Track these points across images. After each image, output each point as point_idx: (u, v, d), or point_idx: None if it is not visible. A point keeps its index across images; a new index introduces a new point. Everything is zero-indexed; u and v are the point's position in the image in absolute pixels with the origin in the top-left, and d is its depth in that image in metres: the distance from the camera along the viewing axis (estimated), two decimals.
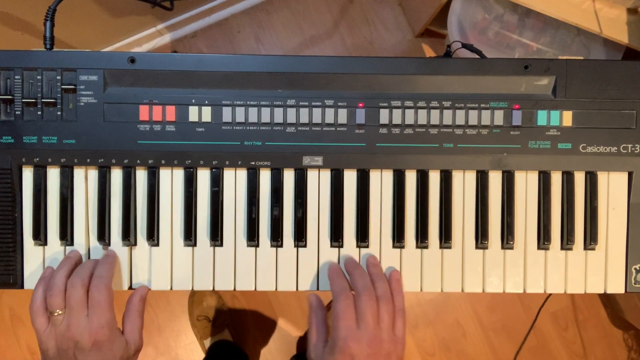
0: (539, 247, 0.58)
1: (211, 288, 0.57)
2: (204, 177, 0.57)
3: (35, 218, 0.56)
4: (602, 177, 0.58)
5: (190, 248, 0.57)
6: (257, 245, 0.58)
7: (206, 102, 0.56)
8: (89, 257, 0.57)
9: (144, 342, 0.56)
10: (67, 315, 0.51)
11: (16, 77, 0.55)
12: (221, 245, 0.57)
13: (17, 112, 0.55)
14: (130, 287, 0.57)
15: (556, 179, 0.58)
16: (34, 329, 0.52)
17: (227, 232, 0.57)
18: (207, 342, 1.33)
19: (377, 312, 0.53)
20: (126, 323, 0.55)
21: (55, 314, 0.51)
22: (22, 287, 0.56)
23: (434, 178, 0.58)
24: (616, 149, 0.57)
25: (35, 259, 0.56)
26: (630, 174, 0.58)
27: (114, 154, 0.56)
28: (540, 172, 0.58)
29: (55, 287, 0.52)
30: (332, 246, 0.58)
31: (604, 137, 0.57)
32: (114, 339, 0.51)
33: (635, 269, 0.58)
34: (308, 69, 0.56)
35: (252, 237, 0.57)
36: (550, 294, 0.73)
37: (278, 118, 0.56)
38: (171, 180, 0.57)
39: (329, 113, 0.57)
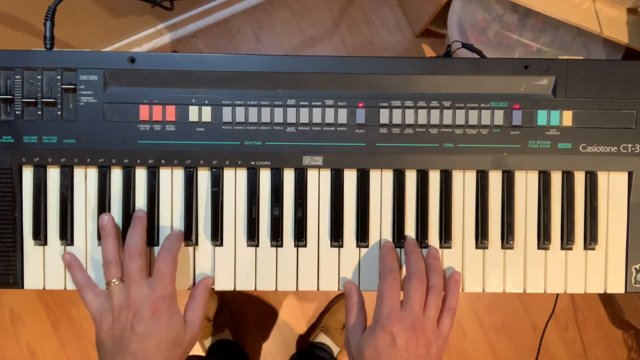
0: (539, 247, 0.58)
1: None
2: (204, 176, 0.57)
3: (35, 218, 0.56)
4: (602, 177, 0.58)
5: (191, 248, 0.57)
6: (257, 245, 0.58)
7: (206, 102, 0.56)
8: (86, 257, 0.57)
9: None
10: (126, 285, 0.51)
11: (16, 77, 0.55)
12: (221, 245, 0.57)
13: (17, 112, 0.55)
14: None
15: (556, 178, 0.58)
16: (86, 305, 0.53)
17: (227, 231, 0.57)
18: (208, 342, 1.33)
19: (425, 301, 0.53)
20: (188, 308, 0.55)
21: (112, 283, 0.52)
22: (22, 287, 0.56)
23: (434, 178, 0.58)
24: (616, 148, 0.57)
25: (35, 259, 0.56)
26: (630, 174, 0.58)
27: (114, 153, 0.56)
28: (540, 172, 0.58)
29: (110, 258, 0.52)
30: (332, 246, 0.58)
31: (604, 137, 0.57)
32: (173, 312, 0.52)
33: (635, 268, 0.58)
34: (308, 69, 0.56)
35: (252, 236, 0.57)
36: (554, 309, 0.73)
37: (278, 118, 0.57)
38: (171, 180, 0.57)
39: (329, 113, 0.57)
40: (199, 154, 0.56)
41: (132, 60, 0.56)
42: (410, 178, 0.58)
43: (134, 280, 0.51)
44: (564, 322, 1.44)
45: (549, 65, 0.57)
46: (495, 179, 0.58)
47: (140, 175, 0.57)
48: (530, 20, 1.04)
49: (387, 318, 0.51)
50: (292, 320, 1.41)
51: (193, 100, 0.56)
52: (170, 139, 0.56)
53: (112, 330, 0.51)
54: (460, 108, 0.57)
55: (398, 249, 0.58)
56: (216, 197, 0.57)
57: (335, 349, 1.31)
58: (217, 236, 0.57)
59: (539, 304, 1.43)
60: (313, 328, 1.39)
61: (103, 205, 0.56)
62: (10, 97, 0.55)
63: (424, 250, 0.58)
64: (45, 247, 0.57)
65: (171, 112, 0.56)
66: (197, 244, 0.57)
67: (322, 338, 1.33)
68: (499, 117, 0.57)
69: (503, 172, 0.58)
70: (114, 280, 0.52)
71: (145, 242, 0.55)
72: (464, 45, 0.66)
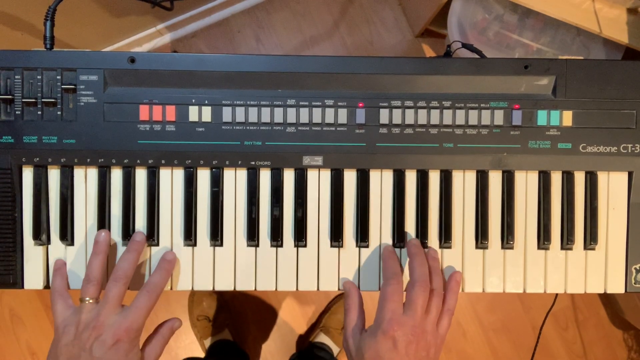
0: (539, 247, 0.58)
1: (211, 288, 0.57)
2: (204, 176, 0.57)
3: (35, 218, 0.56)
4: (602, 177, 0.58)
5: (190, 248, 0.57)
6: (257, 245, 0.58)
7: (206, 102, 0.56)
8: (86, 257, 0.57)
9: None
10: (99, 306, 0.51)
11: (16, 77, 0.55)
12: (221, 245, 0.57)
13: (17, 112, 0.55)
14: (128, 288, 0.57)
15: (556, 178, 0.58)
16: (54, 313, 0.53)
17: (227, 231, 0.57)
18: (207, 342, 1.33)
19: (427, 304, 0.53)
20: (147, 344, 0.54)
21: (86, 301, 0.51)
22: (22, 287, 0.56)
23: (434, 178, 0.58)
24: (616, 148, 0.57)
25: (35, 259, 0.56)
26: (630, 174, 0.58)
27: (114, 153, 0.56)
28: (540, 172, 0.58)
29: (92, 276, 0.52)
30: (332, 246, 0.58)
31: (604, 137, 0.57)
32: (134, 347, 0.51)
33: (635, 268, 0.58)
34: (308, 69, 0.56)
35: (252, 236, 0.57)
36: (553, 305, 0.73)
37: (278, 118, 0.57)
38: (171, 180, 0.57)
39: (329, 113, 0.57)
40: (199, 154, 0.56)
41: (132, 60, 0.56)
42: (410, 178, 0.58)
43: (109, 303, 0.51)
44: (564, 322, 1.44)
45: (549, 65, 0.57)
46: (495, 179, 0.58)
47: (140, 175, 0.57)
48: (530, 20, 1.04)
49: (389, 323, 0.51)
50: (292, 320, 1.41)
51: (193, 100, 0.56)
52: (170, 139, 0.56)
53: (70, 346, 0.50)
54: (460, 108, 0.57)
55: (398, 249, 0.58)
56: (216, 197, 0.57)
57: (335, 349, 1.31)
58: (217, 236, 0.57)
59: (538, 303, 1.43)
60: (313, 328, 1.40)
61: (103, 205, 0.56)
62: (10, 97, 0.55)
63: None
64: (45, 247, 0.57)
65: (171, 112, 0.56)
66: (196, 244, 0.57)
67: (322, 338, 1.33)
68: (499, 117, 0.57)
69: (503, 172, 0.58)
70: (89, 299, 0.52)
71: (135, 269, 0.54)
72: (464, 45, 0.66)
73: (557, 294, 0.66)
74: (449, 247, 0.58)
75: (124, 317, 0.50)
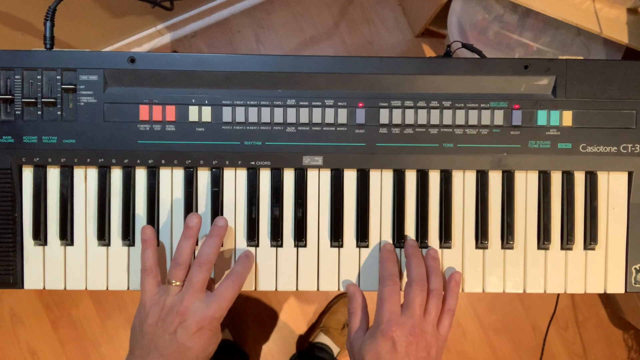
0: (539, 247, 0.58)
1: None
2: (204, 176, 0.57)
3: (35, 218, 0.56)
4: (602, 177, 0.58)
5: None
6: (257, 245, 0.58)
7: (206, 102, 0.56)
8: (86, 257, 0.57)
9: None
10: (184, 291, 0.52)
11: (16, 77, 0.55)
12: (221, 245, 0.57)
13: (17, 112, 0.55)
14: (129, 287, 0.57)
15: (556, 178, 0.58)
16: (142, 289, 0.53)
17: (227, 232, 0.57)
18: None
19: (425, 305, 0.53)
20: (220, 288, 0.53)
21: (173, 284, 0.52)
22: (22, 287, 0.56)
23: (434, 178, 0.58)
24: (616, 148, 0.57)
25: (35, 259, 0.56)
26: (630, 174, 0.58)
27: (114, 153, 0.56)
28: (540, 172, 0.58)
29: (182, 259, 0.53)
30: (332, 246, 0.58)
31: (604, 137, 0.57)
32: (215, 333, 0.52)
33: (635, 268, 0.58)
34: (308, 69, 0.56)
35: (252, 237, 0.57)
36: (555, 311, 0.73)
37: (278, 118, 0.57)
38: (171, 180, 0.57)
39: (329, 113, 0.57)
40: (199, 154, 0.56)
41: (132, 60, 0.56)
42: (410, 178, 0.58)
43: (193, 289, 0.51)
44: (564, 322, 1.44)
45: (549, 65, 0.57)
46: (495, 179, 0.58)
47: (140, 175, 0.57)
48: (530, 20, 1.04)
49: (387, 324, 0.51)
50: (292, 320, 1.41)
51: (193, 100, 0.56)
52: (170, 139, 0.56)
53: (154, 327, 0.51)
54: (460, 108, 0.57)
55: (398, 249, 0.58)
56: (216, 197, 0.57)
57: (335, 349, 1.31)
58: None
59: (538, 304, 1.43)
60: (313, 328, 1.39)
61: (103, 205, 0.56)
62: (10, 97, 0.55)
63: (424, 251, 0.58)
64: (45, 247, 0.57)
65: (171, 112, 0.56)
66: (197, 243, 0.57)
67: (322, 338, 1.33)
68: (499, 117, 0.57)
69: (503, 172, 0.58)
70: (176, 282, 0.52)
71: (217, 254, 0.54)
72: (464, 45, 0.66)
73: (558, 297, 0.66)
74: (449, 247, 0.58)
75: (207, 305, 0.51)
